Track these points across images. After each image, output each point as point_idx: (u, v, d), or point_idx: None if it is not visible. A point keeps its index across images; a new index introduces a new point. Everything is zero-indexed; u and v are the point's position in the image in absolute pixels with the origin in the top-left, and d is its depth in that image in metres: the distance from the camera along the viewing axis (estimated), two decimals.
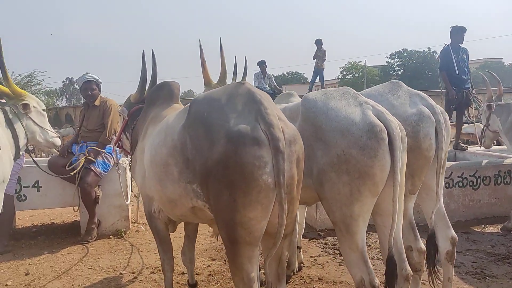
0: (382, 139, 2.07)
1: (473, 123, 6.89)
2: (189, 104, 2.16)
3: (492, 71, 6.16)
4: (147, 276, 3.51)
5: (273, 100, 2.30)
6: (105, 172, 4.43)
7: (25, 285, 3.41)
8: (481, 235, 4.33)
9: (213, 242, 4.25)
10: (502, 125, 4.77)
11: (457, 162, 4.98)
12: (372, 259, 3.68)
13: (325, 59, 14.17)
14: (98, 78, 4.71)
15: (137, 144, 2.83)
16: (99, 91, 4.73)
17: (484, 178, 4.77)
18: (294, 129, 1.95)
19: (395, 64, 44.96)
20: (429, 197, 2.68)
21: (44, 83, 20.47)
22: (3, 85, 3.31)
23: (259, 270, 2.12)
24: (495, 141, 6.15)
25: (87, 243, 4.33)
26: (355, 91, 2.34)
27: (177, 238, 3.69)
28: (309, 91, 14.45)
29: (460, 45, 5.98)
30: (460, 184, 4.71)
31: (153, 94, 2.88)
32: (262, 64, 10.53)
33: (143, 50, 3.00)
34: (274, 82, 10.81)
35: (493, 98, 4.93)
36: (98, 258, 3.95)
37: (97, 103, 4.64)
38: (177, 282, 3.29)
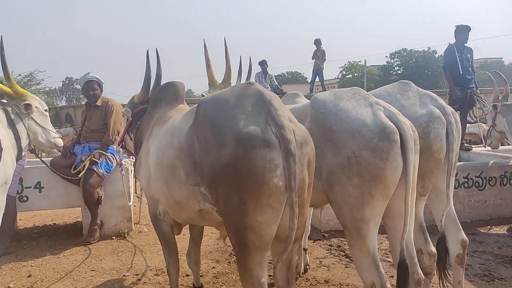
0: (394, 141, 2.03)
1: (477, 123, 6.84)
2: (196, 105, 2.11)
3: (491, 71, 6.12)
4: (151, 278, 3.47)
5: None
6: (108, 173, 4.39)
7: (28, 287, 3.36)
8: (487, 236, 4.29)
9: (217, 244, 4.21)
10: (508, 125, 4.73)
11: (463, 162, 4.93)
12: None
13: (325, 59, 14.17)
14: (100, 78, 4.67)
15: (142, 145, 2.79)
16: (101, 91, 4.68)
17: (490, 178, 4.73)
18: (305, 131, 1.90)
19: (395, 64, 44.86)
20: (439, 199, 2.64)
21: (44, 82, 20.49)
22: (4, 85, 3.26)
23: None
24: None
25: (90, 244, 4.28)
26: (365, 91, 2.30)
27: (180, 239, 3.65)
28: (310, 92, 14.50)
29: (465, 44, 5.94)
30: (466, 185, 4.67)
31: (158, 95, 2.84)
32: (263, 63, 10.48)
33: (147, 50, 2.96)
34: (276, 81, 10.76)
35: (499, 98, 4.88)
36: (101, 259, 3.91)
37: (99, 103, 4.59)
38: (181, 285, 3.24)
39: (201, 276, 3.37)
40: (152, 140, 2.54)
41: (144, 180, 2.65)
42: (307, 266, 3.54)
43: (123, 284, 3.38)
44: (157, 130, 2.56)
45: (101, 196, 4.32)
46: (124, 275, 3.55)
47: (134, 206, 5.00)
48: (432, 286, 2.64)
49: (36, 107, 3.37)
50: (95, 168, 4.27)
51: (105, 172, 4.34)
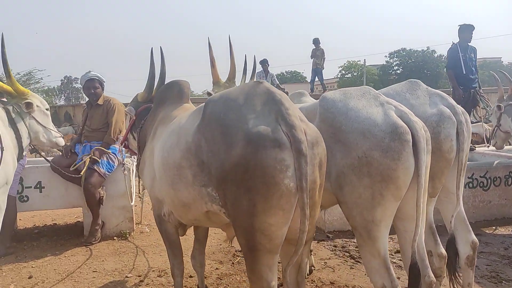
0: (406, 141, 1.99)
1: (479, 122, 6.81)
2: (203, 104, 2.07)
3: (491, 71, 6.09)
4: (153, 280, 3.42)
5: None
6: (109, 172, 4.34)
7: None
8: (492, 237, 4.25)
9: (220, 245, 4.16)
10: None
11: (467, 162, 4.89)
12: None
13: (325, 58, 14.14)
14: (101, 77, 4.61)
15: (146, 144, 2.74)
16: (103, 89, 4.62)
17: (495, 178, 4.69)
18: (316, 130, 1.86)
19: (394, 64, 44.82)
20: (448, 200, 2.60)
21: (43, 81, 20.42)
22: (5, 83, 3.21)
23: None
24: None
25: (91, 245, 4.23)
26: (375, 90, 2.25)
27: (183, 240, 3.59)
28: (311, 91, 14.46)
29: (468, 43, 5.90)
30: (470, 185, 4.63)
31: (162, 93, 2.79)
32: (264, 63, 10.45)
33: (151, 48, 2.91)
34: (277, 81, 10.73)
35: (504, 97, 4.84)
36: (103, 260, 3.86)
37: (100, 102, 4.53)
38: (185, 286, 3.19)
39: (205, 277, 3.32)
40: (157, 140, 2.49)
41: (148, 180, 2.60)
42: (312, 268, 3.50)
43: (125, 286, 3.34)
44: (161, 129, 2.51)
45: (103, 196, 4.26)
46: (127, 276, 3.50)
47: (135, 206, 4.95)
48: None
49: (37, 106, 3.31)
50: (96, 168, 4.22)
51: (106, 172, 4.29)
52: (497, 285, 3.14)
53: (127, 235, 4.47)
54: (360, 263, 3.62)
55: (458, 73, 5.82)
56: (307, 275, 3.39)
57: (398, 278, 3.06)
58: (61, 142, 3.64)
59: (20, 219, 5.17)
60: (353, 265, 3.57)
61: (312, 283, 3.28)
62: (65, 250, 4.15)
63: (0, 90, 3.25)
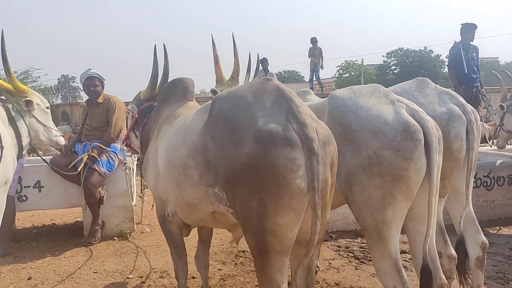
0: (418, 140, 1.94)
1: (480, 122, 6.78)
2: (210, 101, 2.01)
3: (493, 70, 6.07)
4: (155, 281, 3.36)
5: None
6: (110, 172, 4.28)
7: None
8: (497, 237, 4.22)
9: (222, 245, 4.11)
10: None
11: None
12: None
13: (323, 57, 14.16)
14: (101, 74, 4.55)
15: (149, 143, 2.68)
16: (103, 87, 4.56)
17: (498, 178, 4.66)
18: (327, 129, 1.81)
19: (392, 63, 44.86)
20: (457, 200, 2.56)
21: (40, 80, 20.25)
22: (5, 81, 3.14)
23: None
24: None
25: (91, 245, 4.17)
26: (385, 88, 2.21)
27: (185, 240, 3.55)
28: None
29: (471, 42, 5.87)
30: (474, 184, 4.59)
31: (166, 91, 2.73)
32: (264, 61, 10.43)
33: (155, 45, 2.86)
34: (277, 80, 10.68)
35: (508, 97, 4.81)
36: (103, 261, 3.80)
37: (100, 100, 4.47)
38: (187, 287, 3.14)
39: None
40: (161, 139, 2.44)
41: (151, 180, 2.55)
42: (317, 268, 3.45)
43: (127, 287, 3.28)
44: (166, 128, 2.46)
45: (103, 196, 4.20)
46: (128, 278, 3.44)
47: (135, 205, 4.89)
48: None
49: (37, 104, 3.25)
50: (96, 167, 4.16)
51: (107, 171, 4.23)
52: (504, 286, 3.11)
53: (128, 235, 4.41)
54: (365, 263, 3.58)
55: (460, 72, 5.80)
56: None
57: None
58: (61, 141, 3.57)
59: (18, 219, 5.10)
60: (357, 266, 3.53)
61: (317, 284, 3.23)
62: (65, 250, 4.09)
63: (0, 88, 3.18)
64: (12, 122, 3.03)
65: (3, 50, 2.90)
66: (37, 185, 4.25)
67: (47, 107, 3.39)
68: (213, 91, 3.09)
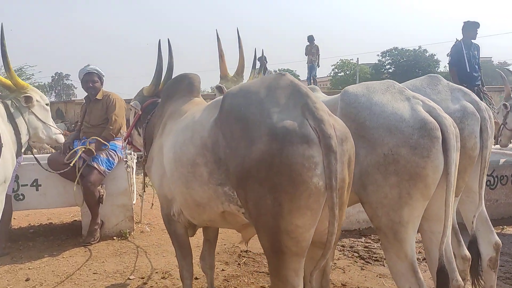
0: (436, 138, 1.88)
1: None
2: (219, 97, 1.94)
3: (497, 69, 6.05)
4: (157, 282, 3.28)
5: None
6: (109, 170, 4.18)
7: None
8: (501, 237, 4.13)
9: (224, 245, 4.04)
10: None
11: None
12: None
13: (319, 55, 14.17)
14: (100, 70, 4.45)
15: (153, 141, 2.60)
16: (102, 84, 4.46)
17: (502, 177, 4.63)
18: (345, 126, 1.75)
19: (386, 62, 44.97)
20: (470, 199, 2.51)
21: (34, 77, 20.04)
22: (4, 77, 3.04)
23: None
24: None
25: (90, 245, 4.07)
26: (399, 84, 2.15)
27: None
28: None
29: (473, 40, 5.84)
30: None
31: (171, 87, 2.64)
32: (262, 59, 10.33)
33: (159, 40, 2.78)
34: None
35: (511, 96, 4.79)
36: (103, 261, 3.71)
37: (99, 96, 4.37)
38: None
39: None
40: (167, 136, 2.36)
41: (156, 178, 2.47)
42: None
43: None
44: (171, 125, 2.38)
45: (103, 195, 4.11)
46: (129, 279, 3.36)
47: (135, 205, 4.80)
48: None
49: (37, 100, 3.15)
50: (96, 165, 4.06)
51: (106, 170, 4.13)
52: None
53: (127, 235, 4.31)
54: (370, 264, 3.53)
55: (462, 70, 5.76)
56: None
57: None
58: (61, 139, 3.48)
59: (14, 218, 4.96)
60: (363, 266, 3.47)
61: None
62: (63, 250, 3.99)
63: None
64: (11, 119, 2.93)
65: (2, 45, 2.80)
66: (34, 184, 4.15)
67: (46, 104, 3.30)
68: (218, 88, 3.01)
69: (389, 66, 44.90)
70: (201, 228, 2.74)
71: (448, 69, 6.25)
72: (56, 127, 3.42)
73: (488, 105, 6.03)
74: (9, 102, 3.00)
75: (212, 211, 2.00)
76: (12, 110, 2.97)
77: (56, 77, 52.59)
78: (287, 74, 1.83)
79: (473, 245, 2.47)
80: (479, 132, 2.33)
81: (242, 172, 1.65)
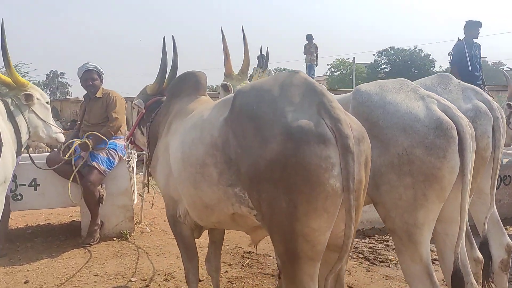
0: (452, 138, 1.84)
1: None
2: (229, 95, 1.89)
3: (505, 68, 6.04)
4: (160, 284, 3.22)
5: None
6: (110, 169, 4.10)
7: None
8: None
9: (227, 245, 3.97)
10: None
11: None
12: None
13: (318, 54, 14.19)
14: (100, 68, 4.37)
15: (158, 140, 2.54)
16: (101, 81, 4.37)
17: (505, 177, 4.60)
18: (361, 125, 1.70)
19: (382, 62, 45.05)
20: (481, 200, 2.47)
21: (29, 75, 19.82)
22: (4, 74, 2.95)
23: None
24: None
25: (89, 246, 3.99)
26: (412, 83, 2.10)
27: None
28: None
29: (474, 40, 5.82)
30: None
31: (176, 85, 2.58)
32: (262, 57, 10.26)
33: (164, 37, 2.71)
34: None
35: None
36: (104, 263, 3.64)
37: (99, 94, 4.29)
38: None
39: None
40: (173, 135, 2.30)
41: (162, 178, 2.41)
42: None
43: None
44: (177, 123, 2.32)
45: (103, 195, 4.03)
46: (131, 281, 3.30)
47: (137, 205, 4.73)
48: None
49: (37, 98, 3.07)
50: (96, 165, 3.98)
51: (106, 169, 4.06)
52: None
53: (128, 236, 4.23)
54: (376, 265, 3.49)
55: (464, 70, 5.75)
56: None
57: None
58: (61, 138, 3.40)
59: (11, 218, 4.84)
60: (368, 268, 3.43)
61: None
62: (62, 251, 3.91)
63: None
64: (11, 117, 2.85)
65: (3, 41, 2.72)
66: (33, 183, 4.06)
67: (47, 102, 3.22)
68: (224, 86, 2.95)
69: (385, 66, 44.96)
70: (207, 230, 2.68)
71: (443, 68, 6.25)
72: (56, 126, 3.35)
73: None
74: (9, 100, 2.91)
75: (221, 212, 1.95)
76: (12, 108, 2.89)
77: (51, 75, 52.21)
78: (300, 72, 1.78)
79: (484, 247, 2.43)
80: (492, 132, 2.29)
81: (255, 173, 1.60)
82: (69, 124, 13.20)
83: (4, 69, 3.00)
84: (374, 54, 44.74)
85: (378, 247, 3.88)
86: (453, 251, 1.98)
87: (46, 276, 3.40)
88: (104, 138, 4.07)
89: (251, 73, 4.29)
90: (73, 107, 17.59)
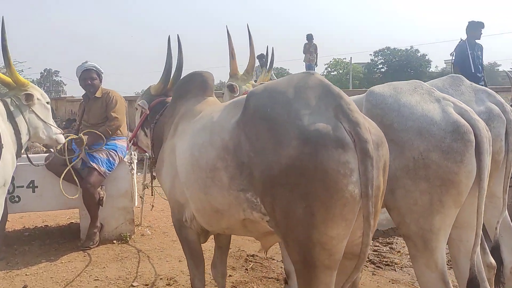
0: (469, 142, 1.80)
1: None
2: (241, 97, 1.83)
3: (508, 70, 6.03)
4: None
5: None
6: (110, 171, 4.02)
7: None
8: None
9: (230, 248, 3.89)
10: None
11: None
12: (406, 267, 3.43)
13: (317, 53, 14.14)
14: (99, 67, 4.28)
15: (164, 142, 2.47)
16: (100, 81, 4.29)
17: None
18: (379, 129, 1.65)
19: (379, 62, 45.21)
20: (493, 204, 2.41)
21: (23, 74, 19.65)
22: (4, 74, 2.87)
23: None
24: None
25: (89, 249, 3.91)
26: (427, 85, 2.05)
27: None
28: None
29: (476, 41, 5.80)
30: None
31: (183, 86, 2.50)
32: (261, 58, 10.17)
33: (169, 36, 2.64)
34: (275, 76, 10.53)
35: None
36: (104, 267, 3.56)
37: (98, 94, 4.20)
38: None
39: (216, 286, 3.08)
40: (179, 137, 2.23)
41: (167, 181, 2.34)
42: None
43: None
44: (184, 125, 2.25)
45: (103, 197, 3.95)
46: (132, 285, 3.22)
47: (137, 207, 4.65)
48: None
49: (37, 98, 2.98)
50: (96, 166, 3.90)
51: (107, 171, 3.97)
52: None
53: (128, 238, 4.15)
54: (381, 268, 3.44)
55: (466, 70, 5.72)
56: None
57: None
58: (62, 139, 3.31)
59: (8, 221, 4.78)
60: (374, 271, 3.38)
61: None
62: (61, 255, 3.82)
63: None
64: (11, 117, 2.76)
65: (3, 39, 2.63)
66: (30, 185, 3.97)
67: (47, 102, 3.13)
68: (229, 86, 2.89)
69: (381, 66, 45.18)
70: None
71: (439, 68, 6.25)
72: (56, 126, 3.26)
73: None
74: (8, 100, 2.83)
75: (231, 218, 1.89)
76: (12, 108, 2.80)
77: (45, 74, 51.81)
78: (315, 73, 1.72)
79: (495, 252, 2.39)
80: (505, 135, 2.25)
81: (269, 178, 1.54)
82: (64, 123, 13.06)
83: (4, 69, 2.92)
84: (370, 54, 45.01)
85: (382, 250, 3.84)
86: (467, 257, 1.95)
87: (45, 280, 3.32)
88: (102, 135, 3.98)
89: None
90: (68, 106, 17.46)
